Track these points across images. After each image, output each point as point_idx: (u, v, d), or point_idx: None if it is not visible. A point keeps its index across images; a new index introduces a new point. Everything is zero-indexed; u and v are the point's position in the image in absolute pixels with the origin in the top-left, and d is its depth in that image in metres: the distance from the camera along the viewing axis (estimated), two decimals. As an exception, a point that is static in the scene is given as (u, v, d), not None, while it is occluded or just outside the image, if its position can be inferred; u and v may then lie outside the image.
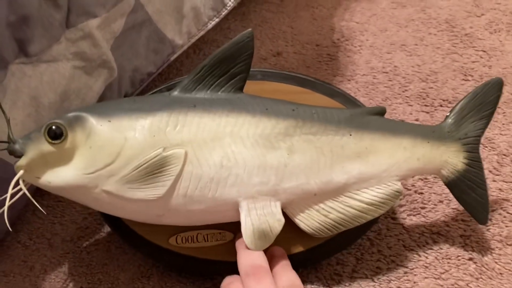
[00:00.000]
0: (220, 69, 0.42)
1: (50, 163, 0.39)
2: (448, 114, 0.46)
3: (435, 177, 0.53)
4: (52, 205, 0.53)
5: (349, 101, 0.48)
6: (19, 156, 0.39)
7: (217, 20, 0.62)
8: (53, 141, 0.38)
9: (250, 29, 0.42)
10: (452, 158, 0.45)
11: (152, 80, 0.61)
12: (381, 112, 0.45)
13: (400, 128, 0.44)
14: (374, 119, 0.44)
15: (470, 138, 0.45)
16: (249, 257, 0.40)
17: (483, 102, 0.46)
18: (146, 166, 0.38)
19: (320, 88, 0.48)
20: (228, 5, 0.63)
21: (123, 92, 0.57)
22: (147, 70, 0.58)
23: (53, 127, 0.39)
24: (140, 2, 0.54)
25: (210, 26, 0.62)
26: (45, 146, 0.39)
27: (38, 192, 0.54)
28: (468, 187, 0.45)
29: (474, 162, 0.45)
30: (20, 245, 0.50)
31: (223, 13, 0.63)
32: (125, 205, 0.40)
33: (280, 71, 0.48)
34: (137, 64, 0.57)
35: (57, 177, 0.39)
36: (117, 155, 0.39)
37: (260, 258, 0.40)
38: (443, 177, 0.45)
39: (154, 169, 0.39)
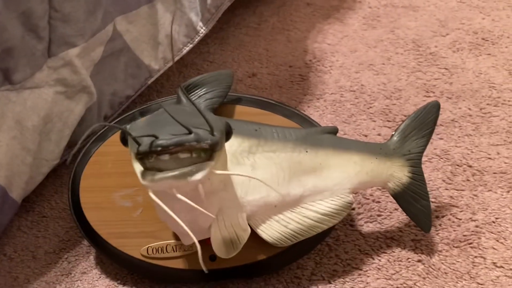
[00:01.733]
0: (203, 88, 0.48)
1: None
2: (393, 133, 0.50)
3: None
4: (37, 220, 0.57)
5: (305, 121, 0.52)
6: (215, 149, 0.35)
7: (190, 46, 0.67)
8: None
9: (231, 71, 0.51)
10: (397, 172, 0.49)
11: (133, 101, 0.65)
12: (333, 131, 0.50)
13: (351, 145, 0.49)
14: (327, 137, 0.49)
15: (413, 154, 0.50)
16: None
17: (423, 122, 0.50)
18: None
19: (278, 109, 0.52)
20: (200, 32, 0.68)
21: (103, 114, 0.61)
22: (125, 94, 0.62)
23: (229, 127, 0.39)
24: (118, 31, 0.59)
25: (184, 51, 0.67)
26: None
27: (23, 208, 0.58)
28: (412, 198, 0.49)
29: (417, 176, 0.50)
30: (5, 258, 0.54)
31: (196, 40, 0.67)
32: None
33: (243, 94, 0.52)
34: (116, 88, 0.61)
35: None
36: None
37: None
38: (389, 189, 0.49)
39: None
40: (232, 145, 0.45)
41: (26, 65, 0.51)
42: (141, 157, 0.33)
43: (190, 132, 0.33)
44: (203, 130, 0.34)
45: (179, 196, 0.33)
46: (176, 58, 0.66)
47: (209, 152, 0.34)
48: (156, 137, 0.33)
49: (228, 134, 0.38)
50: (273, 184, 0.45)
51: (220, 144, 0.35)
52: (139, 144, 0.33)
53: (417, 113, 0.50)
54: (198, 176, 0.34)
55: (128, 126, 0.35)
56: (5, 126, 0.50)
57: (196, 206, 0.34)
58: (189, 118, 0.36)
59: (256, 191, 0.45)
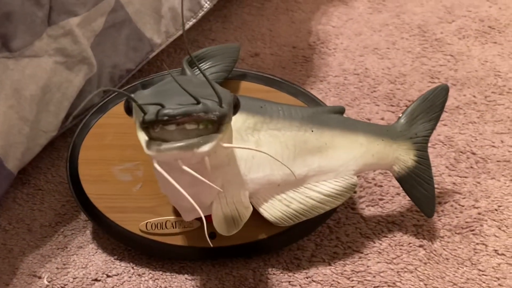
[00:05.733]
0: (207, 62, 0.47)
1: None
2: (400, 115, 0.49)
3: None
4: (32, 193, 0.56)
5: (311, 100, 0.51)
6: (223, 122, 0.33)
7: (194, 20, 0.66)
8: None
9: (238, 44, 0.50)
10: (403, 155, 0.48)
11: (132, 76, 0.64)
12: (340, 111, 0.49)
13: (358, 126, 0.48)
14: (334, 117, 0.48)
15: (420, 138, 0.49)
16: None
17: (432, 106, 0.50)
18: None
19: (285, 87, 0.51)
20: (204, 6, 0.66)
21: (102, 86, 0.59)
22: (126, 67, 0.61)
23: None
24: (120, 2, 0.58)
25: (187, 26, 0.65)
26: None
27: (19, 180, 0.57)
28: (417, 183, 0.49)
29: (423, 160, 0.49)
30: (0, 229, 0.53)
31: (200, 14, 0.66)
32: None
33: (248, 70, 0.51)
34: (117, 61, 0.60)
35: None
36: None
37: None
38: (394, 172, 0.49)
39: None
40: (236, 122, 0.44)
41: (26, 32, 0.49)
42: (147, 126, 0.32)
43: (198, 103, 0.32)
44: (211, 101, 0.33)
45: (184, 167, 0.32)
46: (179, 33, 0.64)
47: (217, 124, 0.33)
48: (163, 106, 0.32)
49: (236, 107, 0.37)
50: (277, 163, 0.44)
51: (228, 117, 0.34)
52: (145, 113, 0.32)
53: (426, 96, 0.50)
54: (205, 148, 0.32)
55: (133, 95, 0.33)
56: (2, 94, 0.49)
57: (202, 178, 0.32)
58: (196, 88, 0.34)
59: (260, 169, 0.44)
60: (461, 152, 0.59)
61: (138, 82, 0.50)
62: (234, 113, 0.37)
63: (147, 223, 0.48)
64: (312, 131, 0.46)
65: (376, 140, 0.47)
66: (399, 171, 0.48)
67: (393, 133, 0.48)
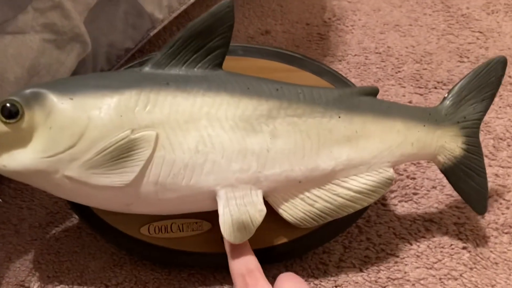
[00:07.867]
0: (197, 42, 0.38)
1: (5, 145, 0.36)
2: (446, 95, 0.43)
3: (428, 162, 0.51)
4: (21, 188, 0.50)
5: (339, 80, 0.44)
6: None
7: (200, -6, 0.59)
8: (7, 121, 0.35)
9: (228, 2, 0.38)
10: (449, 143, 0.42)
11: (132, 56, 0.58)
12: (373, 92, 0.42)
13: (394, 110, 0.41)
14: (365, 100, 0.41)
15: (469, 122, 0.42)
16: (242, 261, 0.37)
17: (484, 83, 0.43)
18: (112, 149, 0.35)
19: (307, 65, 0.45)
20: (211, -22, 0.60)
21: (98, 68, 0.53)
22: (124, 46, 0.55)
23: (7, 104, 0.35)
24: (117, -28, 0.51)
25: (192, 1, 0.59)
26: None
27: (4, 174, 0.51)
28: (466, 175, 0.42)
29: (473, 148, 0.42)
30: (-17, 231, 0.47)
31: (207, -13, 0.59)
32: (90, 192, 0.37)
33: (264, 46, 0.45)
34: (114, 39, 0.53)
35: (13, 161, 0.35)
36: (80, 137, 0.35)
37: (253, 262, 0.37)
38: (439, 163, 0.42)
39: (121, 153, 0.35)
40: (245, 109, 0.37)
41: (6, 4, 0.43)
42: None
43: None
44: None
45: None
46: (183, 7, 0.58)
47: None
48: None
49: (6, 112, 0.35)
50: (297, 156, 0.38)
51: None
52: None
53: (477, 71, 0.43)
54: None
55: None
56: (-19, 77, 0.43)
57: None
58: None
59: (276, 164, 0.38)
60: (501, 138, 0.53)
61: (137, 61, 0.43)
62: (11, 118, 0.35)
63: (149, 226, 0.42)
64: (339, 117, 0.40)
65: (417, 126, 0.41)
66: (445, 162, 0.42)
67: (437, 117, 0.42)
